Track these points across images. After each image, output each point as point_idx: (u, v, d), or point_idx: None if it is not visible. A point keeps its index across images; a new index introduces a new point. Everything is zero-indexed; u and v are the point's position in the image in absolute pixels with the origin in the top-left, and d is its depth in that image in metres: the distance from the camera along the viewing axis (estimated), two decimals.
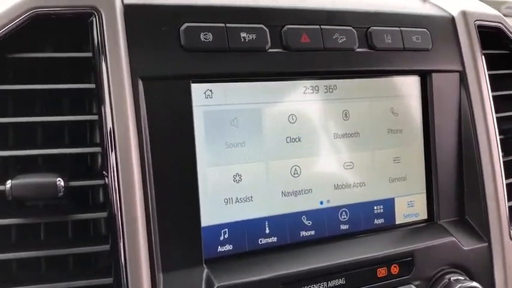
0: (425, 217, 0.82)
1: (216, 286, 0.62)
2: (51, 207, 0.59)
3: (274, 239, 0.71)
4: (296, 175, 0.73)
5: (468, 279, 0.76)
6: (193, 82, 0.66)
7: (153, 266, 0.60)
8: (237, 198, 0.69)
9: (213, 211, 0.67)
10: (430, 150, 0.81)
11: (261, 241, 0.70)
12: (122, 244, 0.57)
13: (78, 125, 0.64)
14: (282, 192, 0.72)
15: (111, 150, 0.58)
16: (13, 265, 0.59)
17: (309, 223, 0.73)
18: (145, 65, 0.62)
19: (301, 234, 0.73)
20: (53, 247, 0.57)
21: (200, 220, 0.65)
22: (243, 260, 0.68)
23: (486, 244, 0.80)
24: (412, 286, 0.73)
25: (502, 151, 0.84)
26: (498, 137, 0.84)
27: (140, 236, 0.59)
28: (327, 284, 0.68)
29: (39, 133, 0.62)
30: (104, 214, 0.59)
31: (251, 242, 0.70)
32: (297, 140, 0.73)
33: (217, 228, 0.68)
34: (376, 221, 0.78)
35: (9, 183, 0.54)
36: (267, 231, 0.71)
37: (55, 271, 0.59)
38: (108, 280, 0.57)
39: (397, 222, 0.80)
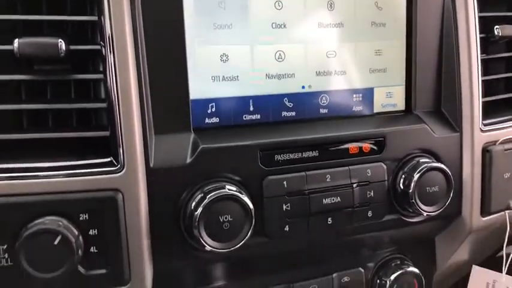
0: (403, 108, 0.88)
1: (200, 147, 0.70)
2: (55, 71, 0.67)
3: (258, 116, 0.79)
4: (280, 59, 0.79)
5: (435, 161, 0.83)
6: None
7: (145, 127, 0.68)
8: (223, 76, 0.76)
9: (201, 86, 0.75)
10: (412, 45, 0.86)
11: (245, 117, 0.78)
12: (116, 103, 0.65)
13: None
14: (266, 74, 0.79)
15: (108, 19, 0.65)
16: (24, 120, 0.68)
17: (291, 105, 0.81)
18: None
19: (283, 114, 0.80)
20: (58, 103, 0.66)
21: (189, 93, 0.73)
22: (227, 130, 0.76)
23: (457, 134, 0.87)
24: (383, 164, 0.81)
25: (481, 49, 0.89)
26: (478, 36, 0.88)
27: (133, 101, 0.67)
28: (302, 155, 0.76)
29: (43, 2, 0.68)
30: (101, 75, 0.66)
31: (236, 117, 0.77)
32: (282, 26, 0.78)
33: (205, 102, 0.75)
34: (354, 108, 0.85)
35: (16, 41, 0.62)
36: (251, 108, 0.78)
37: (61, 125, 0.68)
38: (105, 133, 0.66)
39: (375, 111, 0.87)
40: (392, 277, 0.90)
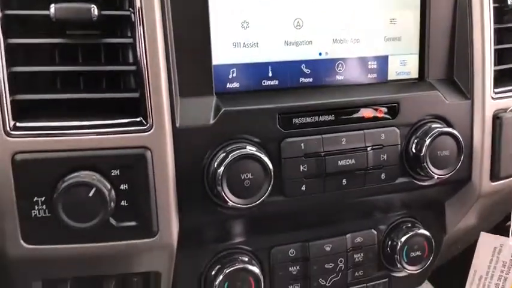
0: (416, 76, 0.91)
1: (223, 110, 0.74)
2: (87, 36, 0.71)
3: (276, 82, 0.82)
4: (298, 27, 0.82)
5: (447, 127, 0.86)
6: None
7: (171, 90, 0.72)
8: (244, 43, 0.80)
9: (223, 52, 0.78)
10: (426, 14, 0.89)
11: (264, 82, 0.82)
12: (145, 66, 0.69)
13: None
14: (285, 41, 0.82)
15: None
16: (58, 82, 0.72)
17: (308, 71, 0.84)
18: None
19: (300, 80, 0.84)
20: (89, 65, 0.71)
21: (211, 58, 0.77)
22: (247, 95, 0.80)
23: (469, 101, 0.90)
24: (396, 129, 0.84)
25: (495, 19, 0.91)
26: (492, 5, 0.90)
27: (161, 64, 0.71)
28: (318, 118, 0.80)
29: None
30: (131, 40, 0.70)
31: (255, 82, 0.81)
32: None
33: (226, 68, 0.79)
34: (369, 75, 0.88)
35: (52, 6, 0.66)
36: (270, 74, 0.82)
37: (92, 87, 0.73)
38: (135, 94, 0.70)
39: (389, 79, 0.90)
40: (403, 239, 0.94)
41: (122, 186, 0.70)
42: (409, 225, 0.97)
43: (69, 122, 0.69)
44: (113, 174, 0.69)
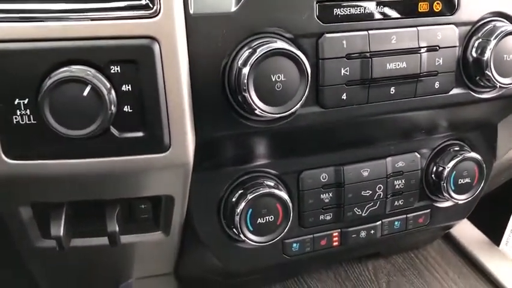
0: None
1: None
2: None
3: None
4: None
5: None
6: None
7: None
8: None
9: None
10: None
11: None
12: None
13: None
14: None
15: None
16: None
17: None
18: None
19: None
20: None
21: None
22: None
23: None
24: (454, 27, 0.69)
25: None
26: None
27: None
28: (364, 10, 0.64)
29: None
30: None
31: None
32: None
33: None
34: None
35: None
36: None
37: None
38: None
39: None
40: (451, 164, 0.81)
41: (124, 87, 0.56)
42: (457, 148, 0.84)
43: (55, 5, 0.53)
44: (112, 70, 0.55)
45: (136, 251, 0.78)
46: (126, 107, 0.56)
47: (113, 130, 0.56)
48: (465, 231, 1.08)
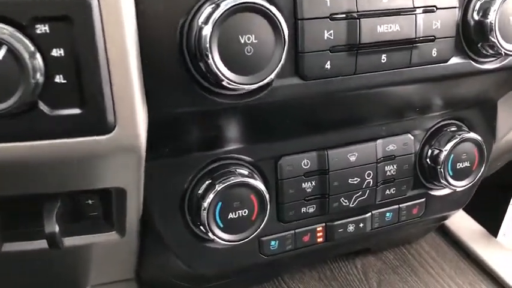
0: None
1: None
2: None
3: None
4: None
5: None
6: None
7: None
8: None
9: None
10: None
11: None
12: None
13: None
14: None
15: None
16: None
17: None
18: None
19: None
20: None
21: None
22: None
23: None
24: None
25: None
26: None
27: None
28: None
29: None
30: None
31: None
32: None
33: None
34: None
35: None
36: None
37: None
38: None
39: None
40: (449, 146, 0.72)
41: (55, 52, 0.44)
42: (454, 128, 0.75)
43: None
44: (38, 31, 0.43)
45: (90, 255, 0.67)
46: (58, 76, 0.45)
47: (42, 106, 0.45)
48: (460, 222, 1.00)
